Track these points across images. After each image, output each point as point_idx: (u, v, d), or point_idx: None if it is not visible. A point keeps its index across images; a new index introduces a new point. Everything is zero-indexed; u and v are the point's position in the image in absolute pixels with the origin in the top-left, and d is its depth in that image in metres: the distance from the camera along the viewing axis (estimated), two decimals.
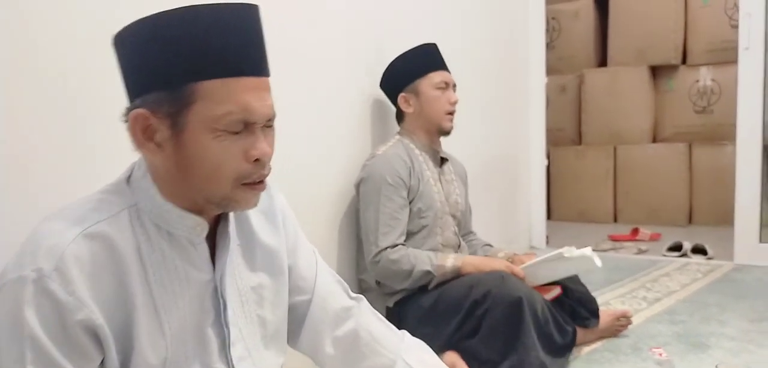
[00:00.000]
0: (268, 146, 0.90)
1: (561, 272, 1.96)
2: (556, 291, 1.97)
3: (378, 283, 1.96)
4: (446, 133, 2.04)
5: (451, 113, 2.02)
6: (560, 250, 1.92)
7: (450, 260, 1.85)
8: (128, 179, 0.92)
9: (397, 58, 2.07)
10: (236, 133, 0.86)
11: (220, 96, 0.84)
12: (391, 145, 2.00)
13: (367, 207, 1.90)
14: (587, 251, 1.92)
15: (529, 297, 1.69)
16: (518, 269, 1.89)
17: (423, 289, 1.87)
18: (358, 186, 1.99)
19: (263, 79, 0.90)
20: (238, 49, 0.85)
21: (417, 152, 2.02)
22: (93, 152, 1.26)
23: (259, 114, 0.87)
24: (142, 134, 0.86)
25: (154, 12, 0.85)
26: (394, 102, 2.07)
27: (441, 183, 2.04)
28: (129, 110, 0.87)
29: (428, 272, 1.82)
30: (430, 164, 2.04)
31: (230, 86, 0.84)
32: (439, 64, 2.04)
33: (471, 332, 1.73)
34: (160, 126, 0.85)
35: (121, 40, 0.88)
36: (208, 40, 0.83)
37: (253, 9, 0.90)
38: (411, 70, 2.03)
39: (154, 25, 0.84)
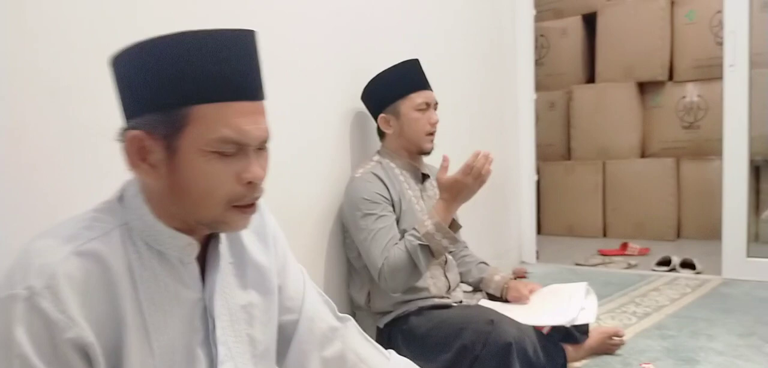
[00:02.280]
0: (260, 168, 0.91)
1: (554, 315, 1.91)
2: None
3: (368, 303, 1.96)
4: (426, 153, 2.01)
5: (432, 134, 1.99)
6: (583, 283, 1.97)
7: (427, 223, 1.74)
8: (120, 198, 0.93)
9: (377, 77, 2.04)
10: (229, 155, 0.87)
11: (214, 120, 0.85)
12: (370, 166, 1.97)
13: (358, 232, 1.87)
14: (591, 308, 1.93)
15: (518, 341, 1.65)
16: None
17: (414, 314, 1.87)
18: (341, 213, 2.00)
19: (258, 103, 0.91)
20: (233, 75, 0.87)
21: (397, 171, 1.99)
22: (95, 165, 1.27)
23: (252, 137, 0.88)
24: (136, 155, 0.87)
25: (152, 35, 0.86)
26: (375, 119, 2.05)
27: (424, 200, 2.02)
28: (124, 130, 0.89)
29: (422, 246, 1.74)
30: (412, 182, 2.02)
31: (224, 110, 0.86)
32: (419, 84, 2.00)
33: None
34: (154, 147, 0.86)
35: (117, 61, 0.89)
36: (202, 64, 0.84)
37: (250, 35, 0.91)
38: (391, 92, 1.99)
39: (150, 47, 0.85)
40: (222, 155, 0.86)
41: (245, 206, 0.91)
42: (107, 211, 0.91)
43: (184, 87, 0.84)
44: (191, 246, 0.93)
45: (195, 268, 0.95)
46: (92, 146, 1.27)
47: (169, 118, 0.85)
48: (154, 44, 0.85)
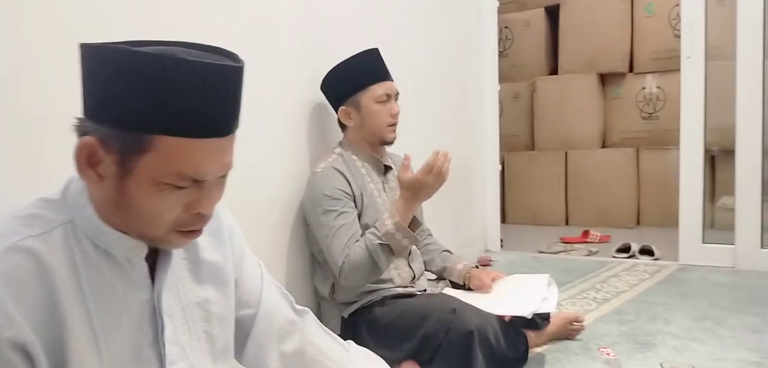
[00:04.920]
0: (214, 200, 0.89)
1: (516, 306, 1.91)
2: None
3: (332, 294, 1.96)
4: (389, 143, 2.01)
5: (394, 125, 1.99)
6: (545, 275, 2.01)
7: (388, 222, 1.77)
8: (64, 194, 0.89)
9: (336, 68, 2.02)
10: (182, 187, 0.84)
11: (175, 153, 0.81)
12: (331, 161, 1.96)
13: (319, 229, 1.87)
14: (553, 299, 1.95)
15: (480, 329, 1.67)
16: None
17: (378, 303, 1.88)
18: (303, 208, 2.00)
19: (227, 138, 0.87)
20: (208, 112, 0.82)
21: (359, 164, 1.99)
22: (38, 158, 1.24)
23: (212, 175, 0.86)
24: (85, 161, 0.83)
25: (124, 40, 0.81)
26: (336, 110, 2.04)
27: (386, 192, 2.02)
28: (81, 127, 0.84)
29: (382, 245, 1.76)
30: (374, 174, 2.01)
31: (188, 146, 0.81)
32: (380, 75, 1.98)
33: (426, 361, 1.72)
34: (106, 159, 0.82)
35: (90, 55, 0.83)
36: (177, 96, 0.79)
37: (236, 71, 0.86)
38: (351, 84, 1.97)
39: (127, 59, 0.79)
40: (174, 186, 0.83)
41: (189, 231, 0.89)
42: (49, 208, 0.87)
43: (151, 114, 0.79)
44: (138, 248, 0.89)
45: (144, 267, 0.92)
46: (37, 137, 1.24)
47: (129, 138, 0.80)
48: (131, 57, 0.79)
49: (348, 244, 1.80)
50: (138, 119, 0.79)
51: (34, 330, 0.78)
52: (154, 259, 0.94)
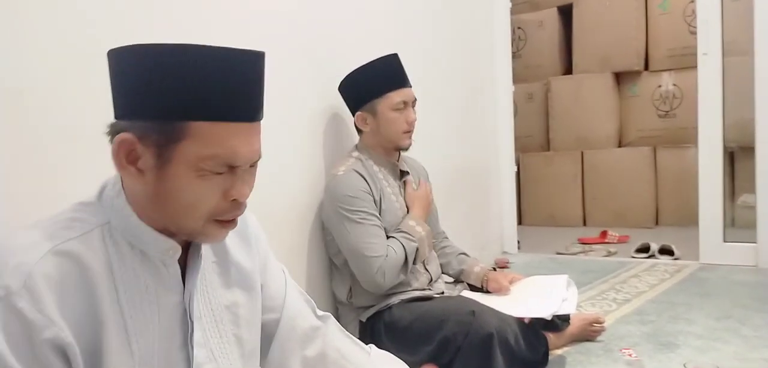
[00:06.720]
0: (248, 187, 0.92)
1: (536, 307, 1.89)
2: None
3: (350, 298, 1.96)
4: (404, 149, 2.02)
5: (409, 132, 1.98)
6: (564, 276, 2.00)
7: (418, 229, 1.93)
8: (100, 197, 0.92)
9: (355, 73, 2.01)
10: (219, 173, 0.87)
11: (210, 138, 0.85)
12: (350, 164, 1.96)
13: (349, 229, 1.86)
14: (572, 300, 1.92)
15: (500, 331, 1.66)
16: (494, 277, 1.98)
17: (396, 306, 1.88)
18: (322, 211, 2.00)
19: (255, 124, 0.91)
20: (236, 96, 0.87)
21: (376, 168, 1.99)
22: (53, 169, 1.24)
23: (244, 159, 0.89)
24: (125, 158, 0.86)
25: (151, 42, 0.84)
26: (353, 114, 2.04)
27: (402, 196, 2.02)
28: (115, 128, 0.87)
29: (416, 249, 1.90)
30: (391, 179, 2.01)
31: (221, 130, 0.86)
32: (398, 81, 1.97)
33: (446, 364, 1.72)
34: (144, 153, 0.85)
35: (119, 57, 0.87)
36: (207, 81, 0.84)
37: (259, 56, 0.91)
38: (369, 90, 1.96)
39: (157, 54, 0.84)
40: (212, 172, 0.87)
41: (226, 221, 0.92)
42: (87, 210, 0.90)
43: (185, 101, 0.83)
44: (173, 249, 0.92)
45: (176, 270, 0.95)
46: (48, 148, 1.24)
47: (165, 128, 0.84)
48: (160, 51, 0.84)
49: (385, 243, 1.85)
50: (172, 108, 0.84)
51: (73, 332, 0.81)
52: (186, 262, 0.96)
